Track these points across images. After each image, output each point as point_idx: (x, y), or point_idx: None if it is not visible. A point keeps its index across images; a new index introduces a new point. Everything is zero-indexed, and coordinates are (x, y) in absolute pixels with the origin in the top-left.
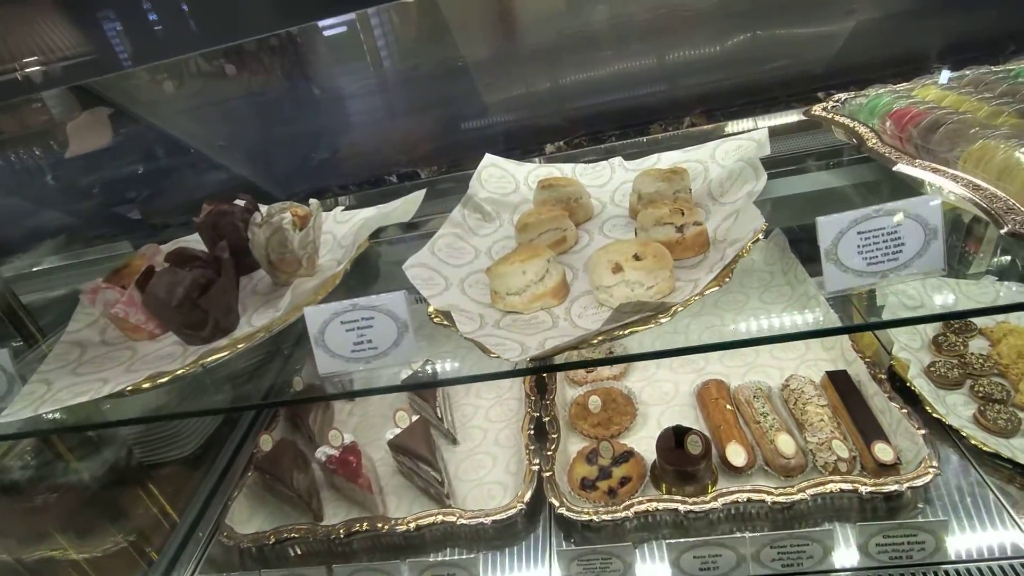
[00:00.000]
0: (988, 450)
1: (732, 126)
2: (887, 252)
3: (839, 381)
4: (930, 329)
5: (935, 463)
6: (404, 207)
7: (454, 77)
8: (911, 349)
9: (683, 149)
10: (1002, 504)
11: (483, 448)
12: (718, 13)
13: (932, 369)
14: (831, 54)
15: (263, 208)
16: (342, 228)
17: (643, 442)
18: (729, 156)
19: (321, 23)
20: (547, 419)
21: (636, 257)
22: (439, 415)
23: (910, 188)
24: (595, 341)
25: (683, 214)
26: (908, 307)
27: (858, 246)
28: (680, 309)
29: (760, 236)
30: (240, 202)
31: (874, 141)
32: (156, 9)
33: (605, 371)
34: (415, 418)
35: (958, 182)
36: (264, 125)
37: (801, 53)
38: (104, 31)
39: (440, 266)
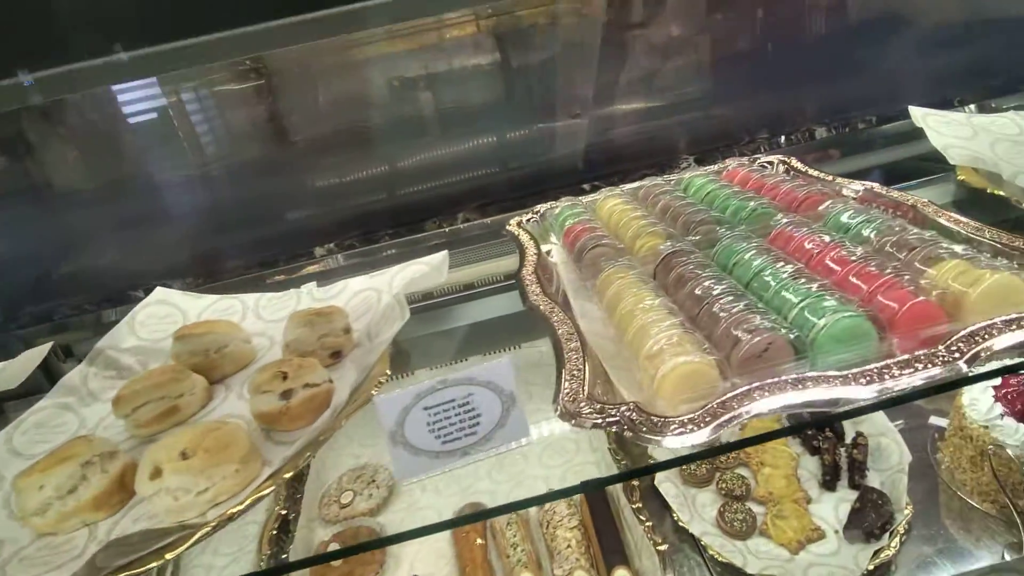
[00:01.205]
0: (723, 560)
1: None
2: (462, 427)
3: (592, 493)
4: None
5: None
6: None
7: (214, 178)
8: None
9: (369, 275)
10: None
11: None
12: (489, 107)
13: (684, 466)
14: (580, 149)
15: None
16: None
17: None
18: (404, 284)
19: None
20: None
21: (183, 455)
22: None
23: None
24: None
25: (286, 377)
26: None
27: (428, 423)
28: (207, 531)
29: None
30: None
31: (530, 267)
32: None
33: (361, 505)
34: None
35: (560, 328)
36: None
37: (557, 147)
38: None
39: (5, 461)
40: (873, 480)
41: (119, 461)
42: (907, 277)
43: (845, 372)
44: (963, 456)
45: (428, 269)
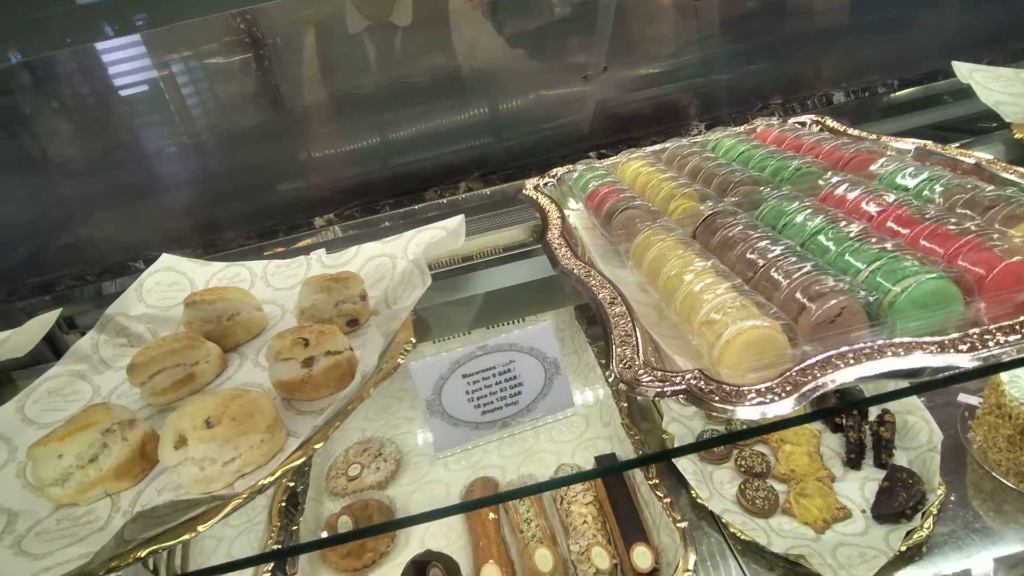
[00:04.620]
0: (746, 539)
1: (507, 189)
2: (503, 396)
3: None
4: None
5: (691, 565)
6: (19, 338)
7: (212, 147)
8: (684, 418)
9: (382, 240)
10: None
11: None
12: (494, 73)
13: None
14: (589, 115)
15: None
16: None
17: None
18: (421, 249)
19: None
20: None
21: (208, 423)
22: (151, 566)
23: None
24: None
25: (307, 344)
26: None
27: (467, 392)
28: (239, 502)
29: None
30: None
31: (555, 231)
32: None
33: (369, 478)
34: None
35: (601, 292)
36: None
37: (563, 113)
38: None
39: (18, 430)
40: (900, 459)
41: (139, 429)
42: (995, 236)
43: (941, 338)
44: (999, 435)
45: (445, 234)
